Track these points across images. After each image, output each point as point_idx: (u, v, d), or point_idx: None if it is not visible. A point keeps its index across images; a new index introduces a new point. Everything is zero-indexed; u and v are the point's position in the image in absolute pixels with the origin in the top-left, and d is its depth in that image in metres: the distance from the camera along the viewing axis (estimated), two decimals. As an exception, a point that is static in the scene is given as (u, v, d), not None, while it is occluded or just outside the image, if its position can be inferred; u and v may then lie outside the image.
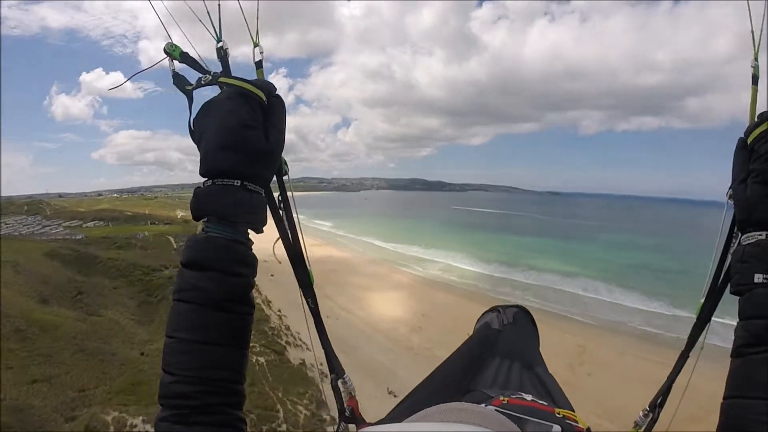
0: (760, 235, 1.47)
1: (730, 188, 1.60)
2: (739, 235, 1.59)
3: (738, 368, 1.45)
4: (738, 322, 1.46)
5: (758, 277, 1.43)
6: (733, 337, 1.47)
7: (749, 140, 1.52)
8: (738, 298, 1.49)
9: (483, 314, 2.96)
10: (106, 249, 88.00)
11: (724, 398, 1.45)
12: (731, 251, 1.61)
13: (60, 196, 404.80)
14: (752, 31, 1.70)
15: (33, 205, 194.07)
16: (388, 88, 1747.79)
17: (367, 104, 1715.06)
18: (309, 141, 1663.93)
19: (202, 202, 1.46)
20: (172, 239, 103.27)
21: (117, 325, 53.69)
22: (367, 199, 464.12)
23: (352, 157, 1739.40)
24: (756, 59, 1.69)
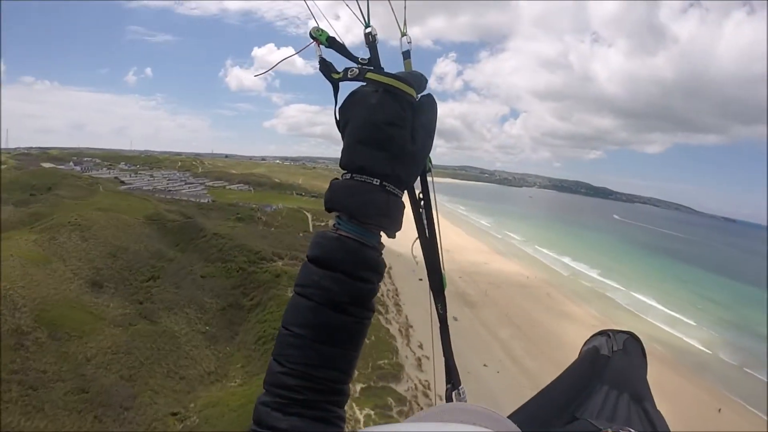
0: None
1: None
2: None
3: None
4: None
5: None
6: None
7: None
8: None
9: (591, 337, 2.77)
10: (223, 219, 76.78)
11: None
12: None
13: (226, 156, 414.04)
14: None
15: (187, 162, 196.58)
16: (563, 79, 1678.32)
17: (538, 96, 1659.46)
18: (474, 129, 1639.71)
19: (336, 196, 1.35)
20: (309, 217, 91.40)
21: (173, 341, 37.70)
22: (532, 198, 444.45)
23: (517, 150, 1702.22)
24: None
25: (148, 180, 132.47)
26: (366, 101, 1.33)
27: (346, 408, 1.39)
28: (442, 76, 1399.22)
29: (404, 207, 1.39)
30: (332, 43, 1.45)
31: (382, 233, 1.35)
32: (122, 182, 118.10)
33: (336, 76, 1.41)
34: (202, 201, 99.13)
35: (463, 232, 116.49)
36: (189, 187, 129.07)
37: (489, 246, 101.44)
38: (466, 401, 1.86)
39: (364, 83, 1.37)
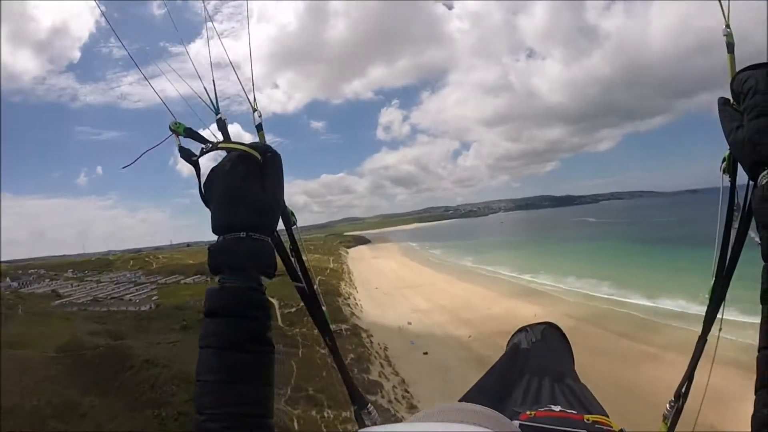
0: None
1: (722, 161, 1.69)
2: (749, 183, 1.55)
3: None
4: (764, 265, 1.37)
5: None
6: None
7: (732, 86, 1.59)
8: (761, 240, 1.42)
9: (512, 336, 3.04)
10: (165, 332, 64.45)
11: (759, 349, 1.37)
12: (750, 198, 1.56)
13: (188, 245, 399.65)
14: (720, 2, 1.71)
15: (139, 260, 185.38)
16: (508, 101, 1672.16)
17: (486, 124, 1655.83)
18: (430, 170, 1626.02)
19: (215, 257, 1.67)
20: (276, 304, 76.38)
21: None
22: (503, 223, 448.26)
23: (475, 180, 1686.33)
24: (727, 26, 1.69)
25: (92, 288, 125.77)
26: (222, 170, 1.67)
27: None
28: (388, 125, 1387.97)
29: (272, 248, 1.75)
30: (189, 133, 1.76)
31: (261, 276, 1.67)
32: (59, 295, 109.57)
33: (195, 158, 1.75)
34: (143, 309, 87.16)
35: (453, 278, 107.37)
36: (136, 290, 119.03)
37: (489, 288, 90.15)
38: (377, 418, 2.10)
39: (220, 160, 1.72)
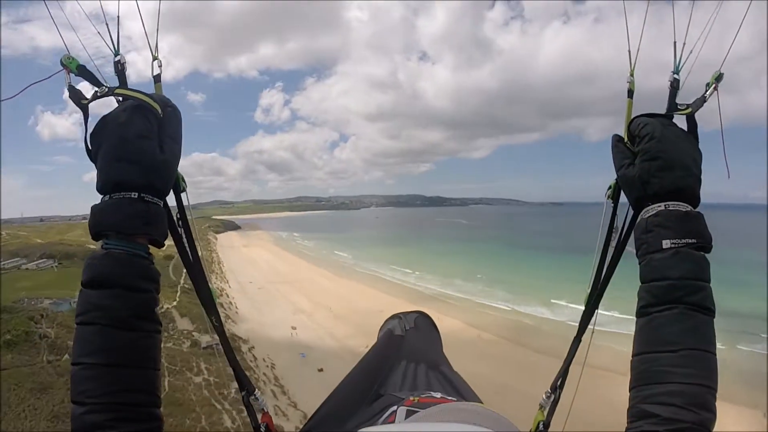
0: (659, 206, 1.59)
1: (608, 189, 1.84)
2: (633, 216, 1.76)
3: (644, 326, 1.54)
4: (641, 285, 1.58)
5: (666, 243, 1.54)
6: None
7: (630, 128, 1.72)
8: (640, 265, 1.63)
9: (385, 322, 3.19)
10: None
11: (633, 355, 1.55)
12: (636, 226, 1.69)
13: (41, 220, 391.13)
14: (629, 51, 1.88)
15: None
16: (393, 99, 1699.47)
17: (367, 118, 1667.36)
18: (305, 159, 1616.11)
19: (99, 219, 1.46)
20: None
21: None
22: (378, 218, 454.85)
23: (350, 174, 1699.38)
24: (632, 75, 1.86)
25: None
26: (116, 120, 1.46)
27: None
28: (268, 107, 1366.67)
29: (165, 214, 1.58)
30: (82, 71, 1.55)
31: (149, 244, 1.51)
32: None
33: (85, 102, 1.53)
34: None
35: (333, 274, 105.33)
36: None
37: (375, 288, 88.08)
38: (264, 404, 2.02)
39: (114, 107, 1.52)
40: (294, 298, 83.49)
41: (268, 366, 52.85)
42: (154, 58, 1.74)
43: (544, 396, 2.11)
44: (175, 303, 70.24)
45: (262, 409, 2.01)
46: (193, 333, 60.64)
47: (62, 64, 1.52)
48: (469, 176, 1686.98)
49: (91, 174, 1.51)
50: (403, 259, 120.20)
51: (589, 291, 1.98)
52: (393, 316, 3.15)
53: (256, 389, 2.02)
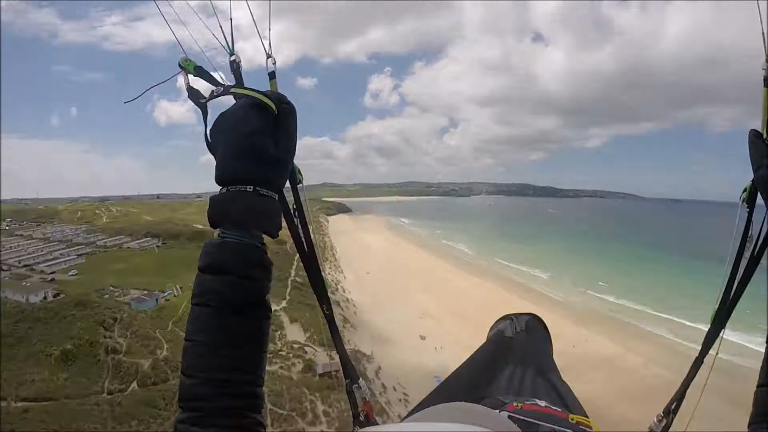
0: None
1: (743, 192, 1.71)
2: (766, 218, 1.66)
3: None
4: None
5: None
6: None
7: None
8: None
9: (496, 322, 3.08)
10: (29, 364, 42.53)
11: (758, 386, 1.48)
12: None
13: (158, 197, 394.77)
14: (763, 33, 1.70)
15: (89, 211, 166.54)
16: (505, 83, 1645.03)
17: (478, 103, 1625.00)
18: (414, 144, 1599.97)
19: (217, 210, 1.52)
20: None
21: None
22: (492, 206, 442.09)
23: (459, 160, 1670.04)
24: (767, 61, 1.68)
25: (11, 247, 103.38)
26: (233, 117, 1.52)
27: None
28: (377, 92, 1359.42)
29: (279, 207, 1.63)
30: (199, 71, 1.63)
31: (264, 234, 1.55)
32: None
33: (203, 100, 1.62)
34: (34, 299, 61.23)
35: (457, 268, 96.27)
36: (60, 254, 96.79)
37: (518, 295, 74.02)
38: (367, 393, 2.16)
39: (231, 104, 1.56)
40: (418, 296, 75.32)
41: (401, 401, 42.68)
42: (268, 56, 1.79)
43: (655, 420, 2.05)
44: (284, 303, 61.14)
45: (364, 397, 2.17)
46: (306, 348, 50.77)
47: (180, 66, 1.61)
48: (583, 166, 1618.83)
49: (207, 156, 1.60)
50: (528, 257, 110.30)
51: (716, 307, 1.89)
52: (504, 317, 3.03)
53: (360, 379, 2.17)
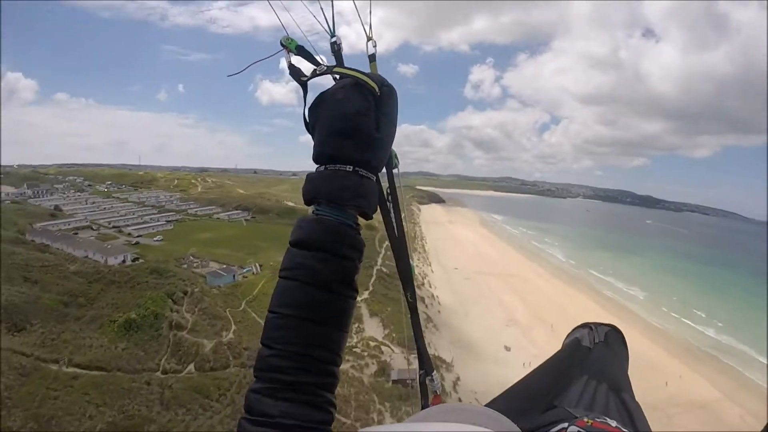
0: None
1: None
2: None
3: None
4: None
5: None
6: None
7: None
8: None
9: (574, 329, 2.98)
10: (90, 328, 42.32)
11: None
12: None
13: (255, 171, 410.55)
14: None
15: (185, 180, 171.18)
16: (612, 80, 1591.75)
17: (582, 100, 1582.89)
18: (513, 139, 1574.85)
19: (313, 187, 1.51)
20: None
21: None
22: (589, 211, 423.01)
23: (557, 159, 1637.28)
24: None
25: (107, 208, 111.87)
26: (334, 96, 1.50)
27: None
28: (478, 83, 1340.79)
29: (377, 188, 1.60)
30: (300, 51, 1.61)
31: (359, 215, 1.53)
32: (53, 215, 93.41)
33: (304, 78, 1.59)
34: (113, 261, 61.83)
35: (551, 275, 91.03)
36: (150, 219, 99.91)
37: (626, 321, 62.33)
38: (438, 387, 2.16)
39: (332, 83, 1.55)
40: (506, 299, 72.63)
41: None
42: (369, 39, 1.78)
43: None
44: (366, 294, 57.90)
45: (435, 391, 2.18)
46: (383, 347, 47.41)
47: (282, 44, 1.60)
48: (688, 178, 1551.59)
49: (305, 136, 1.61)
50: (625, 272, 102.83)
51: None
52: (583, 325, 2.91)
53: (435, 371, 2.17)
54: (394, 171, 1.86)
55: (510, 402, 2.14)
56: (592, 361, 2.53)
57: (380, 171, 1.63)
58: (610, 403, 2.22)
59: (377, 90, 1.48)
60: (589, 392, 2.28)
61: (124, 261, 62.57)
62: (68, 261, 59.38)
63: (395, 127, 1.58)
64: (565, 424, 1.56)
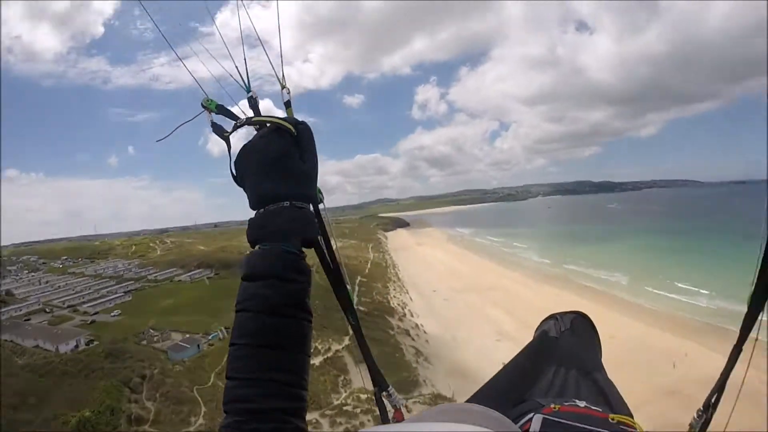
0: None
1: None
2: None
3: None
4: None
5: None
6: None
7: None
8: None
9: (541, 323, 3.01)
10: None
11: None
12: None
13: (215, 225, 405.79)
14: None
15: (143, 245, 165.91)
16: (552, 78, 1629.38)
17: (527, 103, 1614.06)
18: (465, 151, 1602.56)
19: (255, 229, 1.61)
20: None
21: None
22: (551, 208, 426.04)
23: (512, 164, 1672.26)
24: None
25: (61, 286, 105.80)
26: (257, 145, 1.65)
27: None
28: (424, 103, 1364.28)
29: (314, 216, 1.76)
30: (221, 109, 1.80)
31: (301, 243, 1.61)
32: (3, 302, 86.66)
33: (227, 134, 1.76)
34: (64, 348, 56.37)
35: (533, 280, 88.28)
36: (107, 292, 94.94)
37: (619, 311, 63.13)
38: (397, 400, 2.22)
39: (252, 135, 1.70)
40: (491, 313, 70.39)
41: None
42: (283, 87, 1.91)
43: (695, 415, 2.06)
44: (347, 341, 53.23)
45: (395, 406, 2.23)
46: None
47: (203, 106, 1.79)
48: (639, 157, 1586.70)
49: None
50: (602, 260, 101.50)
51: (753, 288, 1.84)
52: (549, 317, 2.91)
53: (390, 386, 2.24)
54: (321, 206, 1.91)
55: (480, 401, 1.90)
56: (559, 350, 2.52)
57: (314, 201, 1.75)
58: (581, 386, 2.21)
59: (294, 130, 1.64)
60: (560, 380, 2.28)
61: (76, 346, 56.91)
62: (17, 354, 54.77)
63: (317, 158, 1.70)
64: (532, 414, 1.59)
